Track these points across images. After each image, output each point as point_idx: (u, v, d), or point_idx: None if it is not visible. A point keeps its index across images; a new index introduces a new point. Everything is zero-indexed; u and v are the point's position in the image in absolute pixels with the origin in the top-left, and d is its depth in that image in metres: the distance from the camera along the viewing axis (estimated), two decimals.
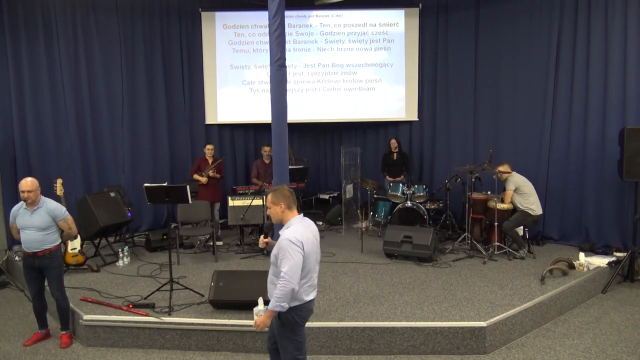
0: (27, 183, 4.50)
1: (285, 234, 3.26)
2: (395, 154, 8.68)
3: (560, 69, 7.35)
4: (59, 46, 7.68)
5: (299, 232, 3.25)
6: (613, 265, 6.18)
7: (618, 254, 6.49)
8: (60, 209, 4.71)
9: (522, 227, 6.82)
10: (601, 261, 6.21)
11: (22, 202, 4.58)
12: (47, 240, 4.61)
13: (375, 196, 8.46)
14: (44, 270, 4.67)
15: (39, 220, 4.55)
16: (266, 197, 7.08)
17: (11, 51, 7.34)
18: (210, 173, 7.76)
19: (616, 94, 6.77)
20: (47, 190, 5.62)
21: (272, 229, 3.59)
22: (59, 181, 6.17)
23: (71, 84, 7.81)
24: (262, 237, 3.62)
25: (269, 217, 3.48)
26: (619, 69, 6.74)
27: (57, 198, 5.39)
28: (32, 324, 5.05)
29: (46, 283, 4.79)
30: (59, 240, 4.76)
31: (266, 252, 3.60)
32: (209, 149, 7.91)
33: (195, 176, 7.77)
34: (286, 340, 3.37)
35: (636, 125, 6.30)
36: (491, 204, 6.83)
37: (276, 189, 3.45)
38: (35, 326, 4.93)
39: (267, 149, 8.18)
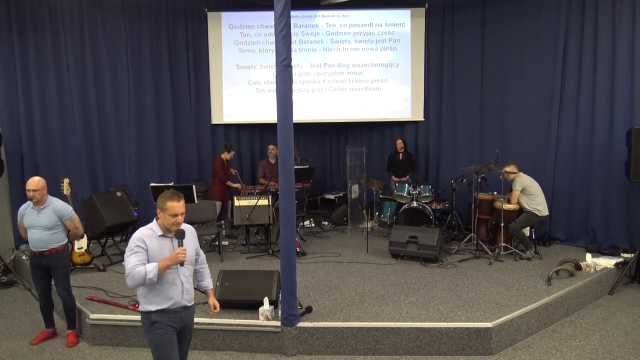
0: (34, 182, 4.54)
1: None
2: (401, 154, 8.67)
3: (567, 69, 7.30)
4: (65, 46, 7.72)
5: None
6: (620, 266, 6.14)
7: (625, 255, 6.45)
8: (66, 208, 4.74)
9: (528, 227, 6.79)
10: (608, 262, 6.17)
11: (29, 201, 4.61)
12: (54, 239, 4.64)
13: (381, 196, 8.44)
14: (50, 269, 4.70)
15: (46, 219, 4.58)
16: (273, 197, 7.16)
17: (18, 51, 7.39)
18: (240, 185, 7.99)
19: (624, 93, 6.72)
20: (54, 190, 5.65)
21: (183, 236, 3.39)
22: (66, 181, 6.20)
23: (78, 84, 7.85)
24: (181, 249, 3.36)
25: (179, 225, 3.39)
26: (626, 69, 6.68)
27: (64, 198, 5.42)
28: (39, 323, 5.08)
29: (53, 282, 4.82)
30: (66, 240, 4.79)
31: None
32: (231, 155, 8.05)
33: (231, 184, 7.95)
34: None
35: None
36: (497, 204, 6.80)
37: (164, 194, 3.24)
38: (42, 325, 4.96)
39: (272, 147, 8.20)
